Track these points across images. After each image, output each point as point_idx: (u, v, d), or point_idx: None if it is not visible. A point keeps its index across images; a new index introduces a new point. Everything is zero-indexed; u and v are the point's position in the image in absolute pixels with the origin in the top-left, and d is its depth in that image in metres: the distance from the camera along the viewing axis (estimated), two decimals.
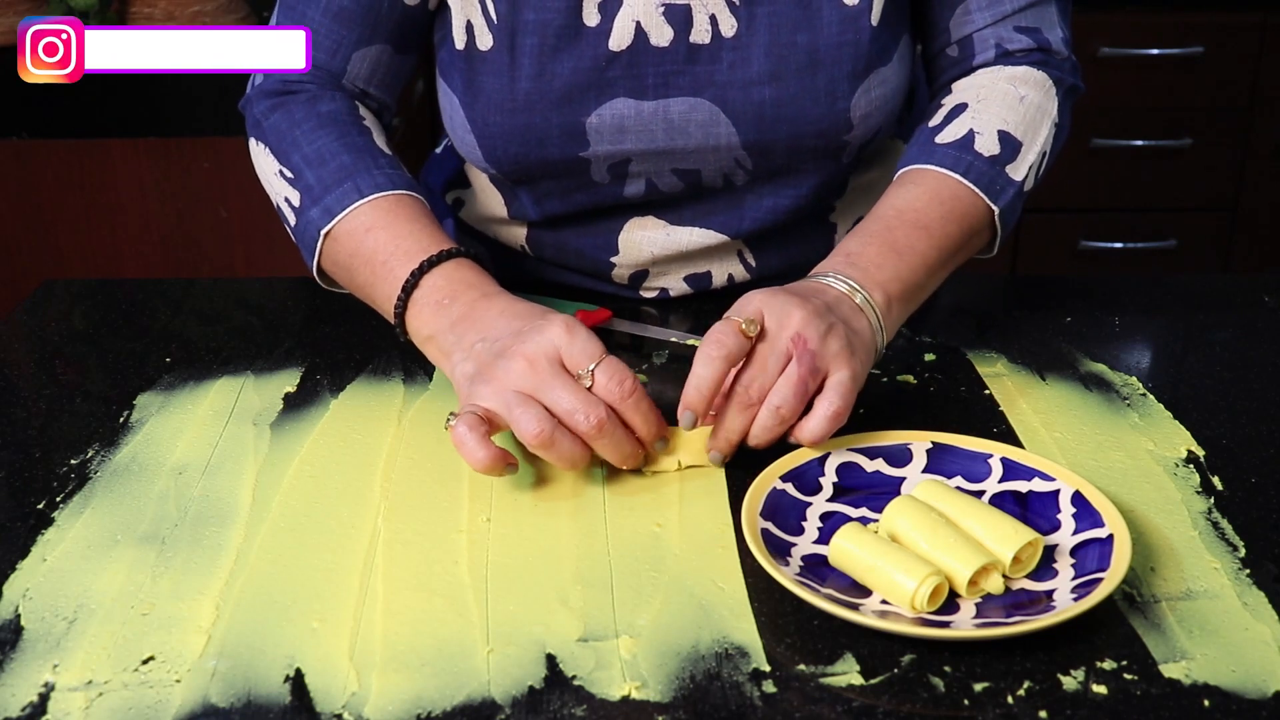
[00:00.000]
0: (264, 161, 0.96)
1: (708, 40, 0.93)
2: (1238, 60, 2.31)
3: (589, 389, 0.76)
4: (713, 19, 0.93)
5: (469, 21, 0.95)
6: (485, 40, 0.94)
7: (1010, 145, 0.93)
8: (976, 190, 0.91)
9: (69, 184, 2.09)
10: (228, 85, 2.07)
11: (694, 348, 0.97)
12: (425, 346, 0.86)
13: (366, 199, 0.90)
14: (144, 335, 1.01)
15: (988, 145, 0.93)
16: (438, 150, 1.19)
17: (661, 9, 0.93)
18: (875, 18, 0.94)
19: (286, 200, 0.93)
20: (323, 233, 0.90)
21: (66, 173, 2.08)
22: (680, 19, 0.93)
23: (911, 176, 0.93)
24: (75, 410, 0.89)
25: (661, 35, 0.93)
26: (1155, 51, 2.30)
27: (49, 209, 2.11)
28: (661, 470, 0.80)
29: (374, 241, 0.88)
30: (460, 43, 0.96)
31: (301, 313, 1.06)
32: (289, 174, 0.93)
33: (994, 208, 0.92)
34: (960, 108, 0.96)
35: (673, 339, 0.99)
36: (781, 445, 0.80)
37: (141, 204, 2.10)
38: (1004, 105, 0.95)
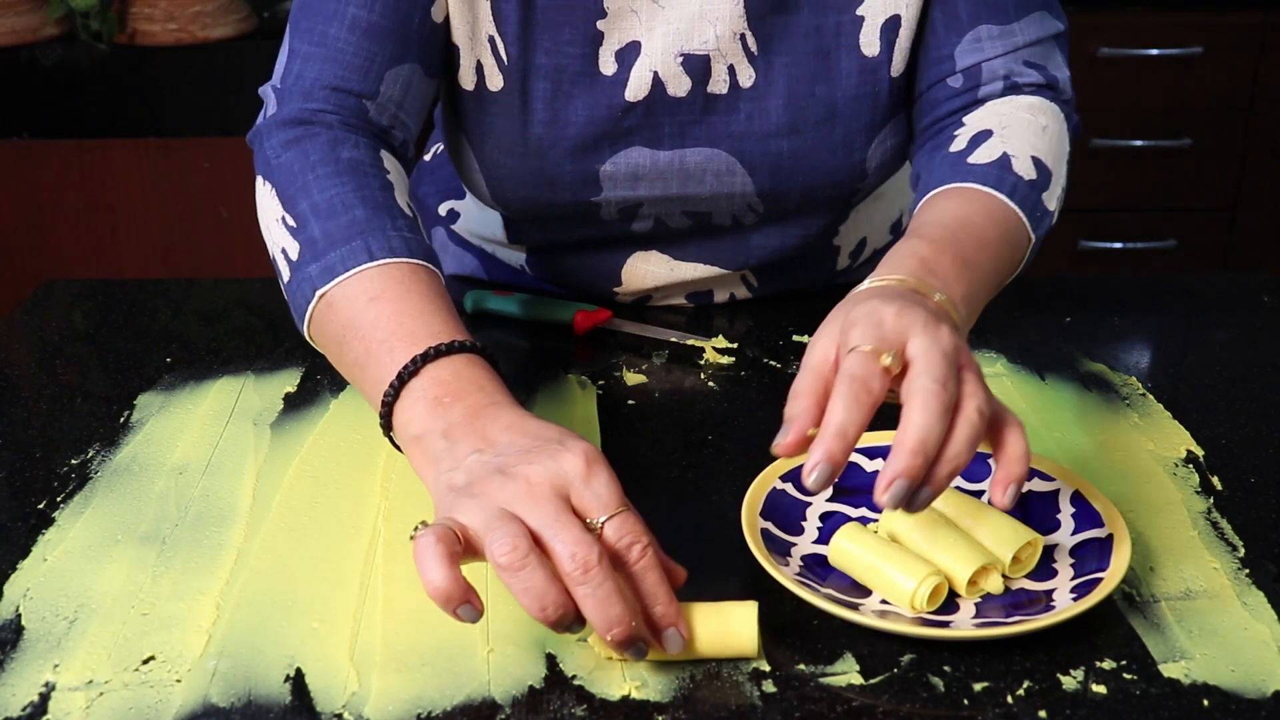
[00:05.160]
0: (267, 204, 0.84)
1: (725, 91, 0.92)
2: (1238, 60, 2.31)
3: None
4: (730, 69, 0.91)
5: (479, 62, 0.91)
6: (496, 81, 0.91)
7: (1044, 172, 0.85)
8: (1021, 215, 0.82)
9: (69, 184, 2.09)
10: (228, 85, 2.07)
11: (695, 347, 0.98)
12: (409, 447, 0.71)
13: (376, 263, 0.77)
14: (144, 335, 1.01)
15: (1025, 169, 0.84)
16: (426, 158, 1.16)
17: (680, 59, 0.90)
18: (897, 69, 0.92)
19: (284, 251, 0.81)
20: (319, 293, 0.77)
21: (67, 173, 2.09)
22: (699, 69, 0.91)
23: (957, 192, 0.82)
24: (76, 410, 0.90)
25: (679, 86, 0.91)
26: (1155, 51, 2.29)
27: (49, 209, 2.12)
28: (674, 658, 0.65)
29: (375, 314, 0.75)
30: (469, 83, 0.92)
31: None
32: (292, 222, 0.81)
33: (1032, 238, 0.84)
34: (985, 133, 0.87)
35: (673, 339, 0.99)
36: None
37: (142, 204, 2.11)
38: (1030, 133, 0.87)
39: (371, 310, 0.75)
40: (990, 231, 0.80)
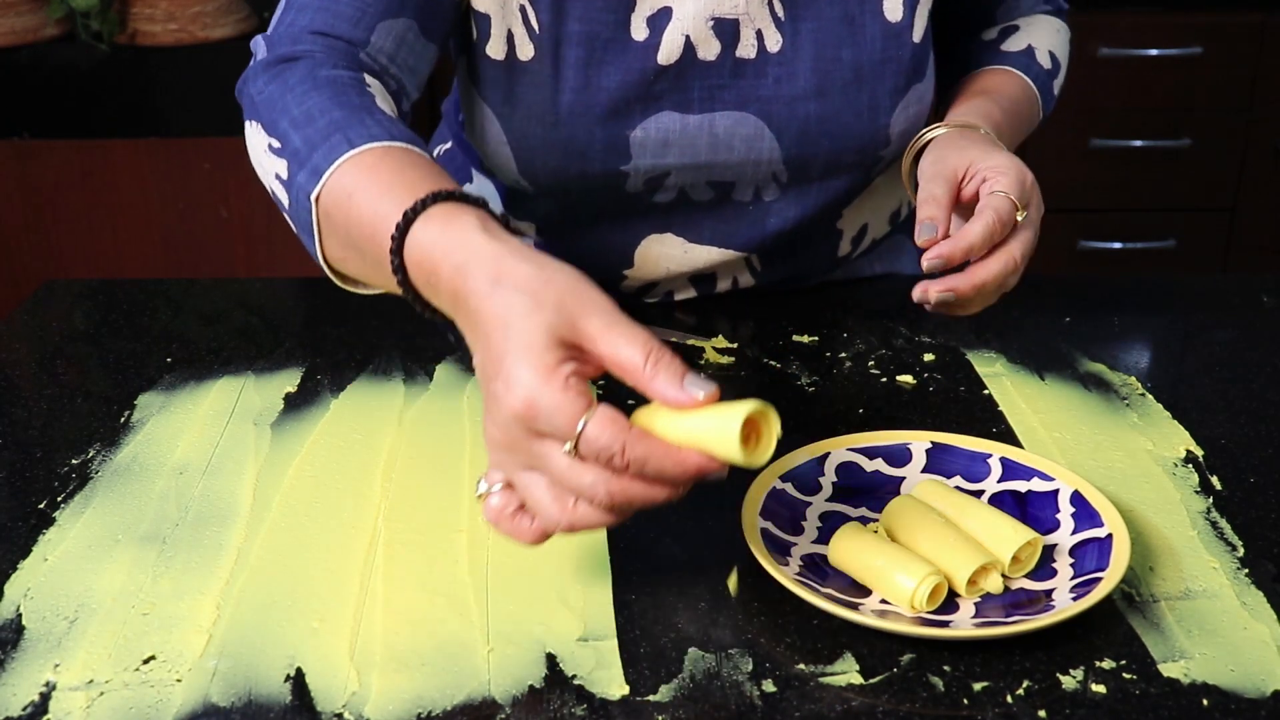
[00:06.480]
0: (255, 141, 0.81)
1: (753, 55, 0.93)
2: (1238, 60, 2.31)
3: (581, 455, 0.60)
4: (759, 34, 0.93)
5: (509, 31, 0.92)
6: (526, 50, 0.92)
7: (1056, 64, 1.05)
8: (1039, 99, 1.02)
9: (70, 184, 2.09)
10: (229, 85, 2.07)
11: (695, 346, 0.98)
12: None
13: (357, 149, 0.73)
14: (145, 335, 1.02)
15: (1044, 60, 1.03)
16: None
17: (711, 23, 0.92)
18: (918, 34, 0.95)
19: (277, 177, 0.77)
20: (312, 198, 0.74)
21: (67, 173, 2.09)
22: (728, 33, 0.93)
23: (1002, 73, 1.01)
24: (76, 410, 0.90)
25: (709, 49, 0.93)
26: (1155, 52, 2.29)
27: (50, 209, 2.12)
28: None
29: (359, 208, 0.71)
30: (499, 53, 0.93)
31: (302, 313, 1.06)
32: (276, 144, 0.78)
33: (1042, 116, 1.04)
34: (1013, 28, 1.06)
35: (673, 339, 0.99)
36: (783, 443, 0.80)
37: (142, 204, 2.11)
38: (1049, 31, 1.06)
39: (355, 206, 0.71)
40: (1026, 110, 1.00)
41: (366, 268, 0.73)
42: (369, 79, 0.84)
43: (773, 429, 0.61)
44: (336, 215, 0.73)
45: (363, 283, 0.78)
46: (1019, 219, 0.81)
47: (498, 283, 0.62)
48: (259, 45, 0.88)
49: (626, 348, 0.60)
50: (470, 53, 0.96)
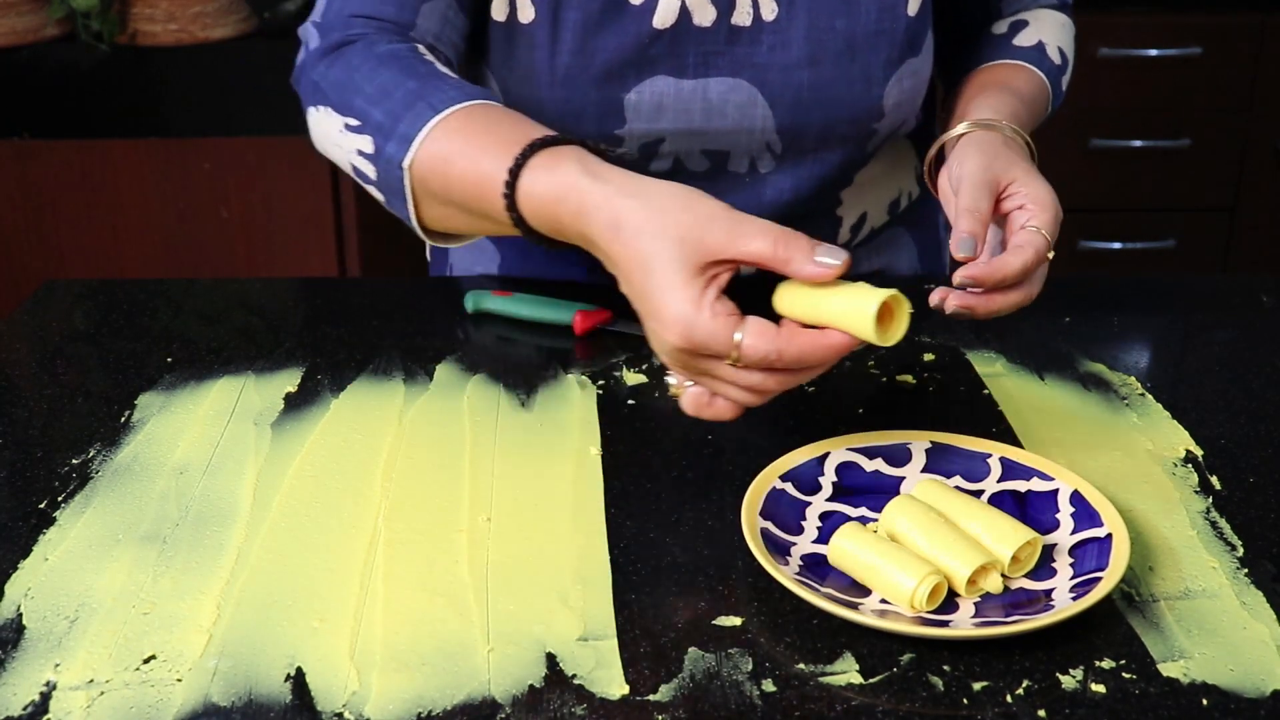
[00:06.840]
0: (326, 124, 0.87)
1: (749, 23, 0.95)
2: (1237, 60, 2.31)
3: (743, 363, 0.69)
4: (754, 2, 0.95)
5: None
6: (527, 13, 0.94)
7: (1064, 59, 1.04)
8: (1050, 93, 1.02)
9: (70, 184, 2.09)
10: (229, 86, 2.07)
11: None
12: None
13: (441, 114, 0.80)
14: (145, 335, 1.02)
15: (1054, 55, 1.03)
16: None
17: None
18: (913, 8, 0.97)
19: (360, 153, 0.84)
20: (404, 166, 0.81)
21: (67, 173, 2.08)
22: (724, 0, 0.94)
23: (1016, 67, 1.01)
24: (76, 410, 0.90)
25: (705, 15, 0.94)
26: (1154, 52, 2.30)
27: (50, 209, 2.11)
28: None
29: (460, 171, 0.78)
30: (501, 14, 0.96)
31: (302, 313, 1.06)
32: (355, 122, 0.84)
33: (1049, 111, 1.03)
34: (1022, 23, 1.05)
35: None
36: (783, 443, 0.80)
37: (142, 204, 2.11)
38: (1056, 27, 1.06)
39: (456, 168, 0.78)
40: (1039, 105, 1.00)
41: (472, 221, 0.81)
42: (421, 48, 0.90)
43: (904, 312, 0.69)
44: (433, 180, 0.80)
45: (461, 235, 0.86)
46: (1049, 256, 0.81)
47: (619, 228, 0.70)
48: (310, 33, 0.93)
49: (754, 243, 0.68)
50: (475, 14, 0.99)
